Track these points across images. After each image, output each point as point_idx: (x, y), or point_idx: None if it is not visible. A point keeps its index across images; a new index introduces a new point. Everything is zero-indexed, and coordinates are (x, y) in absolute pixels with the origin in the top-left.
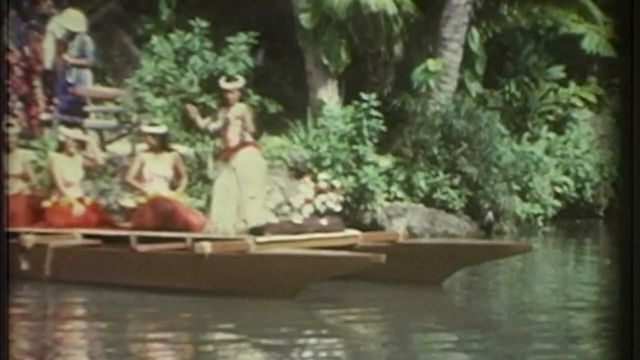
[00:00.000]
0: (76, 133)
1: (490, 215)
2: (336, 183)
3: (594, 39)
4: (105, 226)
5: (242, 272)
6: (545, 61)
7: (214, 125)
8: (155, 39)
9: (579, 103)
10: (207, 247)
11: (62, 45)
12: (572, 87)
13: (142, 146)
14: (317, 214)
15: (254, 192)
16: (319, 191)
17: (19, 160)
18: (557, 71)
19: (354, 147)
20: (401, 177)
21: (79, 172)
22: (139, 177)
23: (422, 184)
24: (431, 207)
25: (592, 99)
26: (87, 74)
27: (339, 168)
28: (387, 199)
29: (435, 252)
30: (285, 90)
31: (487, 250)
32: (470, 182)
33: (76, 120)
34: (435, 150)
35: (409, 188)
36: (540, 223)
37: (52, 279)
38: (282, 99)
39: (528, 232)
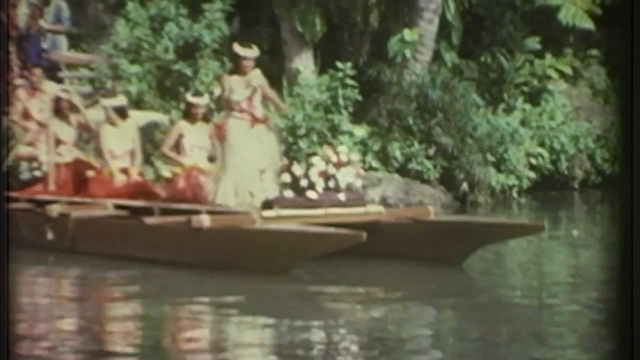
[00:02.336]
0: (117, 101)
1: (465, 186)
2: (354, 156)
3: (570, 10)
4: (146, 197)
5: (237, 247)
6: (521, 32)
7: (236, 97)
8: (130, 5)
9: (555, 75)
10: (205, 221)
11: (37, 11)
12: (548, 58)
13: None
14: (336, 188)
15: (264, 165)
16: (338, 164)
17: (75, 126)
18: (533, 42)
19: (329, 116)
20: (376, 147)
21: (125, 142)
22: (177, 147)
23: (397, 154)
24: (406, 177)
25: (567, 70)
26: (62, 40)
27: (314, 137)
28: (362, 169)
29: (456, 230)
30: (261, 58)
31: (505, 229)
32: (445, 152)
33: None
34: (411, 121)
35: (384, 158)
36: (515, 194)
37: (72, 250)
38: (257, 67)
39: (503, 204)
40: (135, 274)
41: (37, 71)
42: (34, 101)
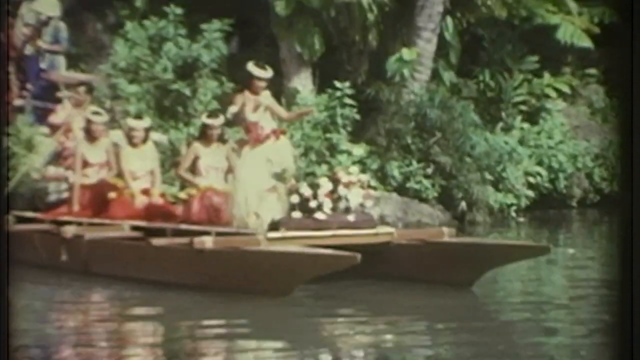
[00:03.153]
0: (142, 123)
1: (463, 204)
2: (364, 177)
3: (568, 29)
4: (165, 218)
5: (238, 269)
6: (519, 51)
7: (252, 116)
8: (129, 25)
9: (553, 94)
10: (207, 242)
11: (36, 31)
12: (546, 77)
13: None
14: (346, 209)
15: (272, 184)
16: (348, 185)
17: (103, 148)
18: (531, 61)
19: (328, 135)
20: (375, 166)
21: (146, 163)
22: (193, 169)
23: (396, 173)
24: (404, 196)
25: (566, 89)
26: (61, 60)
27: (313, 156)
28: (362, 188)
29: (467, 252)
30: None
31: (514, 250)
32: (443, 171)
33: (48, 106)
34: (409, 140)
35: (383, 177)
36: (513, 213)
37: (86, 271)
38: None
39: (501, 223)
40: (138, 295)
41: (82, 89)
42: (78, 118)
